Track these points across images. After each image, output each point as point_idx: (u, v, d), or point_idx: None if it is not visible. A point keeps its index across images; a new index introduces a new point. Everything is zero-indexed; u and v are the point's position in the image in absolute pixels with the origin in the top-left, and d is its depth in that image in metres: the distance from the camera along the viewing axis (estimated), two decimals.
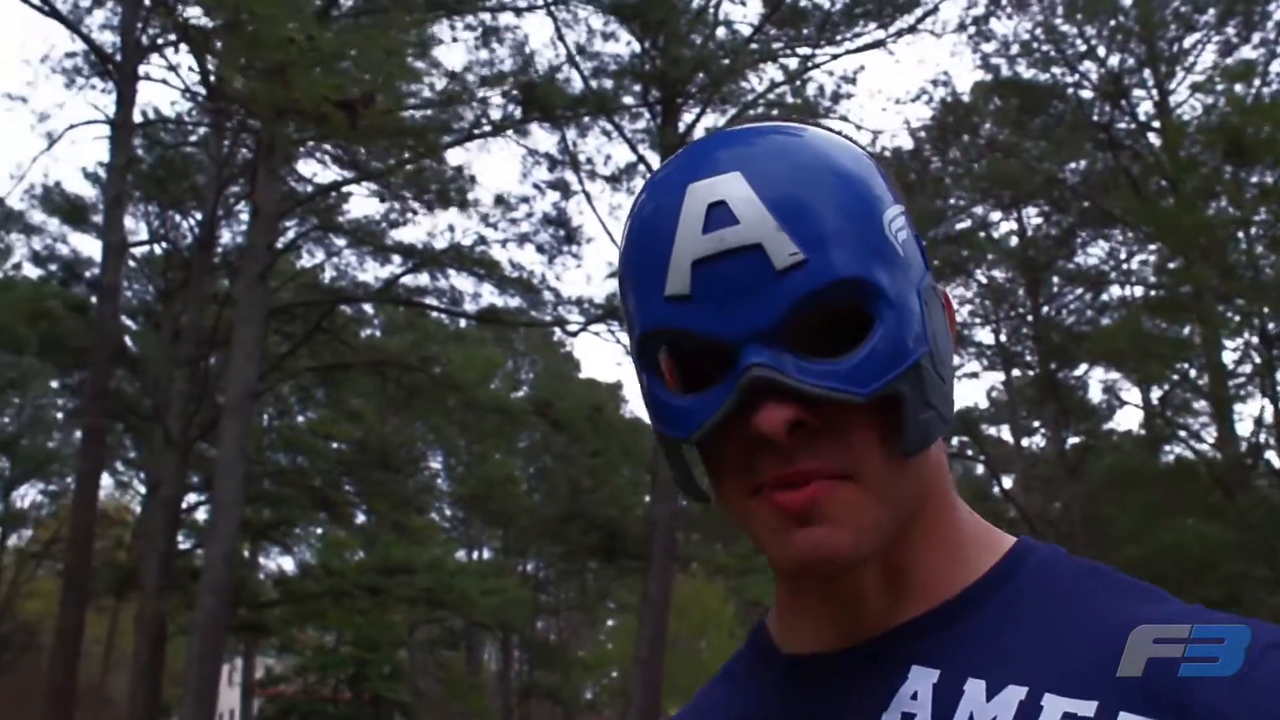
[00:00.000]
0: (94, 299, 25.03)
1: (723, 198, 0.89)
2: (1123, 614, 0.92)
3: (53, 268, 27.89)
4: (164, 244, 26.26)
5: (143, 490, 30.47)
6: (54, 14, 21.97)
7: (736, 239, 0.87)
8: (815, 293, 0.87)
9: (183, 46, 21.08)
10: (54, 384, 31.72)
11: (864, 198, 0.92)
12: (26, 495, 35.23)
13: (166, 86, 32.42)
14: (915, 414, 0.91)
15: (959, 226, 24.90)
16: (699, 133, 21.07)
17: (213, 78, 18.38)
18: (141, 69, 22.33)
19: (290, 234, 22.61)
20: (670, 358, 0.99)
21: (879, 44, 21.13)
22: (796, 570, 0.93)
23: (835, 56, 21.40)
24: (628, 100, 20.70)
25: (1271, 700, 0.83)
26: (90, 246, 33.09)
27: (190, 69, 21.69)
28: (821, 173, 0.91)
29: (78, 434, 30.65)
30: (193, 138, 25.36)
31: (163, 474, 21.91)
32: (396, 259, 23.66)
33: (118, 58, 22.59)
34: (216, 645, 17.84)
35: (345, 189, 22.55)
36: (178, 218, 25.99)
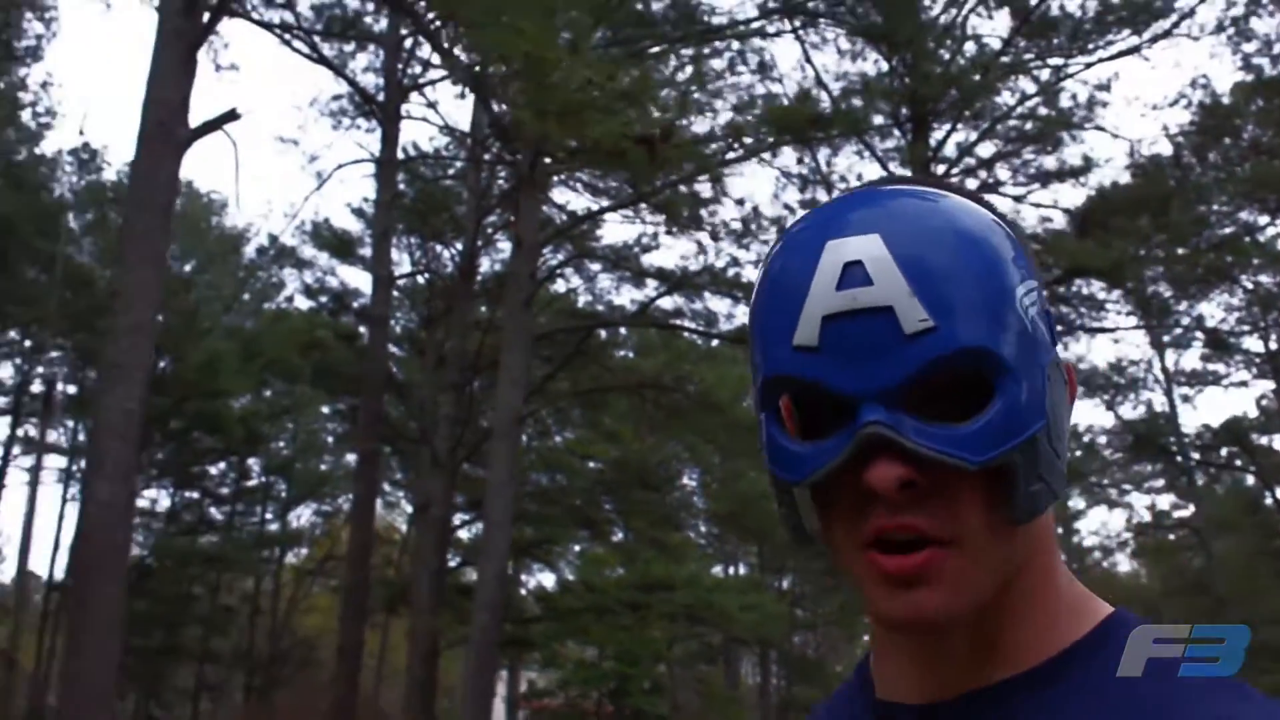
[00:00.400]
0: (362, 329, 26.12)
1: (859, 257, 0.91)
2: (1201, 704, 0.92)
3: (323, 299, 29.11)
4: (426, 274, 27.15)
5: (409, 509, 31.52)
6: (322, 60, 23.09)
7: (869, 299, 0.90)
8: (940, 359, 0.90)
9: (441, 86, 21.98)
10: (324, 409, 33.00)
11: (997, 270, 0.94)
12: (301, 515, 36.76)
13: (426, 123, 33.54)
14: (1026, 485, 0.94)
15: (1223, 233, 23.91)
16: (950, 149, 20.86)
17: (502, 119, 18.90)
18: (403, 108, 23.33)
19: (550, 262, 23.17)
20: (789, 403, 1.02)
21: (1134, 50, 20.53)
22: (895, 627, 0.98)
23: (1089, 65, 20.84)
24: (878, 120, 20.57)
25: None
26: (357, 278, 34.42)
27: (461, 94, 22.36)
28: (957, 241, 0.94)
29: (349, 457, 32.03)
30: (450, 170, 26.23)
31: (431, 494, 22.68)
32: (650, 282, 24.03)
33: (380, 98, 23.64)
34: (491, 660, 18.37)
35: (599, 215, 22.93)
36: (438, 248, 26.87)
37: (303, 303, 30.09)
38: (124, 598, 14.02)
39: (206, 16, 15.49)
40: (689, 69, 17.61)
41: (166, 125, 14.48)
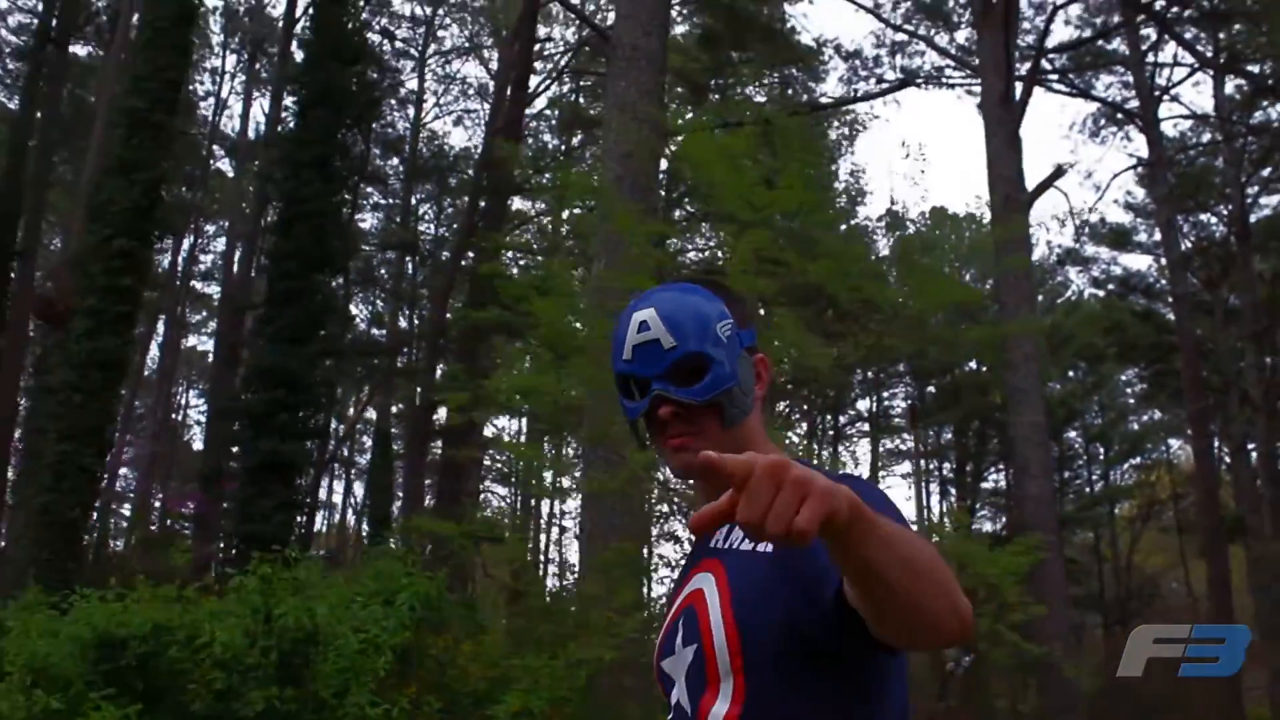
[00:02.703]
0: (1152, 304, 27.93)
1: (644, 318, 1.88)
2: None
3: (1110, 287, 31.00)
4: (1191, 242, 28.32)
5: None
6: (1080, 93, 25.24)
7: (648, 336, 1.87)
8: (681, 359, 1.86)
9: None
10: (1120, 378, 34.67)
11: (707, 317, 1.89)
12: (1122, 471, 38.50)
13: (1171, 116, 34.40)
14: (729, 410, 1.89)
15: None
16: None
17: None
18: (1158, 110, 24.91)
19: None
20: (631, 381, 1.94)
21: None
22: (678, 474, 1.95)
23: None
24: None
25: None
26: (1134, 262, 35.74)
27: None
28: (687, 307, 1.89)
29: (1155, 414, 33.62)
30: (1198, 147, 27.32)
31: (1251, 434, 23.88)
32: None
33: (1129, 105, 25.39)
34: None
35: None
36: (1203, 217, 28.02)
37: (1089, 293, 32.29)
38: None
39: (1018, 94, 18.11)
40: None
41: (1011, 196, 17.26)
